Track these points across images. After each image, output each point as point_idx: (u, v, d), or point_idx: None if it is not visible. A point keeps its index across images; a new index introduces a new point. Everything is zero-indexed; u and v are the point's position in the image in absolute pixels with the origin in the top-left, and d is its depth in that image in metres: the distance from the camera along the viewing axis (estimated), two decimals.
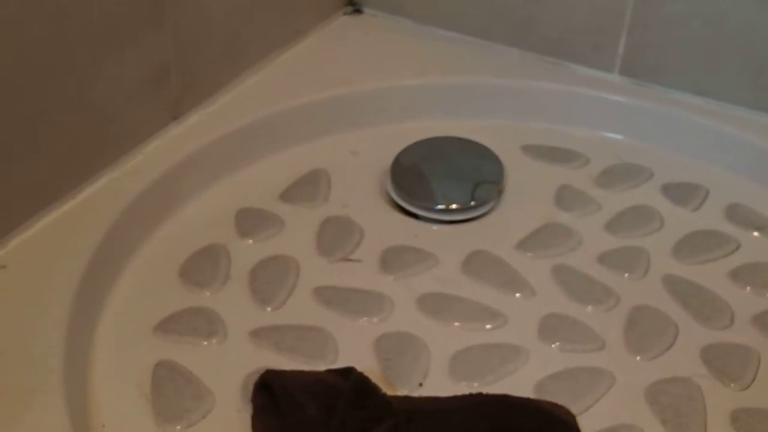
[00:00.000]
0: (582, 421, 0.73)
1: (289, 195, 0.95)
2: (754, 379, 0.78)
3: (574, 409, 0.73)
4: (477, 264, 0.88)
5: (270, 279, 0.85)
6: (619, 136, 1.05)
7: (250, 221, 0.91)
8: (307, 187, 0.96)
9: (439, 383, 0.76)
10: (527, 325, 0.82)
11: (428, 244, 0.90)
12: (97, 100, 0.84)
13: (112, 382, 0.74)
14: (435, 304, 0.83)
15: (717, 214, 0.95)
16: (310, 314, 0.82)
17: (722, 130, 1.00)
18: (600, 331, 0.81)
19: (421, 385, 0.76)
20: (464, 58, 1.10)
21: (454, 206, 0.93)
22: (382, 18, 1.17)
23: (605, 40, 1.06)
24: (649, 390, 0.76)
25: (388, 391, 0.73)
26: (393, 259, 0.88)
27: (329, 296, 0.83)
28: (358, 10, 1.17)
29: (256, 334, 0.79)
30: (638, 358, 0.79)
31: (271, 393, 0.72)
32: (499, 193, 0.96)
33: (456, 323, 0.82)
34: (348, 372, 0.73)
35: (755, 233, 0.93)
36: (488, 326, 0.82)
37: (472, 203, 0.93)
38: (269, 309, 0.82)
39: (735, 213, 0.95)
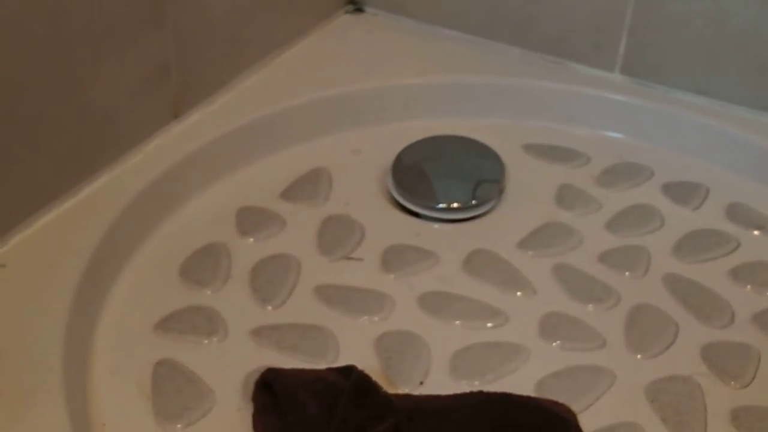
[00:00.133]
0: (582, 420, 0.73)
1: (290, 194, 0.95)
2: (754, 378, 0.78)
3: (574, 408, 0.73)
4: (478, 263, 0.88)
5: (271, 278, 0.85)
6: (620, 136, 1.05)
7: (251, 220, 0.91)
8: (308, 185, 0.96)
9: (439, 382, 0.76)
10: (528, 324, 0.82)
11: (429, 242, 0.90)
12: (97, 98, 0.84)
13: (112, 381, 0.74)
14: (436, 303, 0.83)
15: (717, 213, 0.95)
16: (310, 313, 0.82)
17: (723, 129, 1.00)
18: (600, 329, 0.81)
19: (421, 383, 0.76)
20: (465, 57, 1.11)
21: (455, 205, 0.93)
22: (383, 17, 1.17)
23: (606, 40, 1.06)
24: (649, 388, 0.76)
25: (389, 390, 0.73)
26: (394, 258, 0.88)
27: (330, 295, 0.83)
28: (359, 9, 1.18)
29: (257, 333, 0.79)
30: (639, 356, 0.79)
31: (272, 391, 0.72)
32: (500, 192, 0.96)
33: (457, 322, 0.82)
34: (349, 370, 0.73)
35: (756, 232, 0.93)
36: (489, 325, 0.82)
37: (473, 202, 0.93)
38: (270, 308, 0.82)
39: (735, 212, 0.95)
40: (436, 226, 0.93)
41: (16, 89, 0.76)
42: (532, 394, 0.75)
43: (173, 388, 0.74)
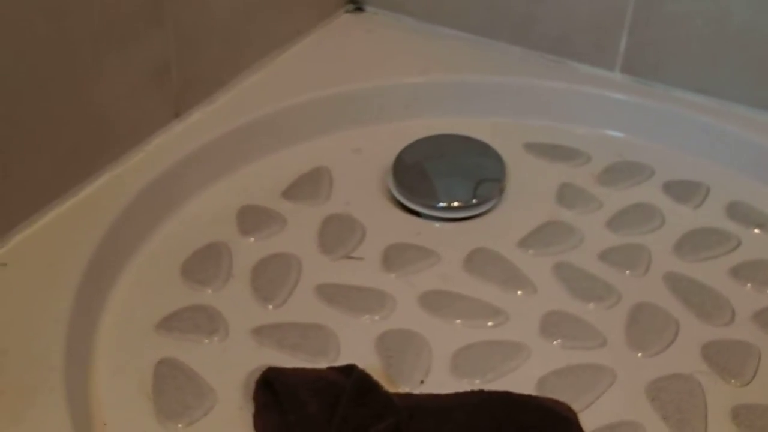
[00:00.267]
0: (583, 418, 0.73)
1: (291, 193, 0.95)
2: (754, 376, 0.78)
3: (575, 406, 0.74)
4: (479, 261, 0.88)
5: (272, 277, 0.85)
6: (621, 134, 1.05)
7: (252, 219, 0.91)
8: (309, 184, 0.96)
9: (440, 380, 0.76)
10: (529, 323, 0.82)
11: (430, 241, 0.90)
12: (98, 98, 0.84)
13: (113, 380, 0.75)
14: (437, 302, 0.83)
15: (718, 211, 0.95)
16: (311, 312, 0.82)
17: (723, 128, 1.00)
18: (601, 328, 0.81)
19: (422, 382, 0.76)
20: (466, 56, 1.11)
21: (456, 204, 0.93)
22: (384, 16, 1.17)
23: (607, 39, 1.06)
24: (650, 386, 0.76)
25: (390, 389, 0.73)
26: (395, 257, 0.88)
27: (331, 294, 0.84)
28: (359, 8, 1.18)
29: (258, 332, 0.79)
30: (639, 354, 0.79)
31: (273, 390, 0.72)
32: (501, 190, 0.96)
33: (458, 320, 0.82)
34: (350, 369, 0.73)
35: (756, 230, 0.93)
36: (490, 323, 0.82)
37: (474, 201, 0.93)
38: (271, 307, 0.82)
39: (736, 210, 0.95)
40: (437, 225, 0.93)
41: (16, 89, 0.76)
42: (533, 393, 0.75)
43: (174, 387, 0.74)
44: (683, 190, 0.98)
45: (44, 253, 0.79)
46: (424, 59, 1.09)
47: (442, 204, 0.93)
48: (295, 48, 1.09)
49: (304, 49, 1.09)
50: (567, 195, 0.97)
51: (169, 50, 0.90)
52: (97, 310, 0.80)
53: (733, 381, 0.77)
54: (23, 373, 0.69)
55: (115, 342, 0.78)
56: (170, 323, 0.80)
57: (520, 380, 0.76)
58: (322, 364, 0.75)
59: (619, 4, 1.03)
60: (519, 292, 0.85)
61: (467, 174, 0.96)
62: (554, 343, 0.80)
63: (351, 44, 1.11)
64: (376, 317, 0.82)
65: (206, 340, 0.78)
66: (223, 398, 0.74)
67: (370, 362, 0.76)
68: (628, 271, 0.88)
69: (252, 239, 0.89)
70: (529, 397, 0.74)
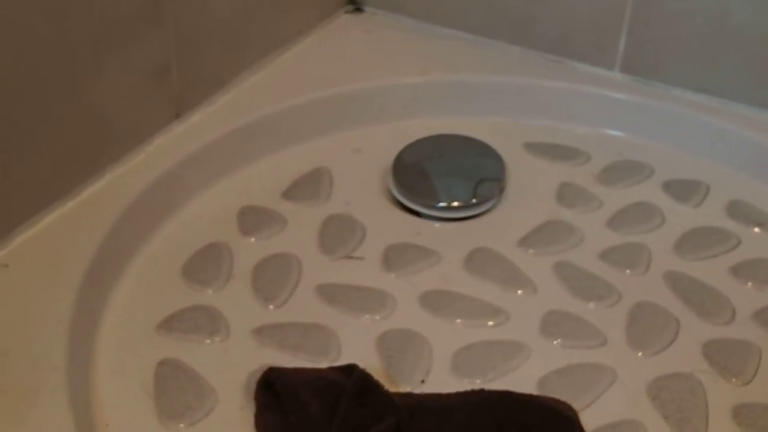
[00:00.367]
0: (584, 417, 0.73)
1: (291, 193, 0.95)
2: (755, 375, 0.78)
3: (576, 405, 0.74)
4: (479, 261, 0.88)
5: (272, 277, 0.85)
6: (621, 134, 1.05)
7: (253, 219, 0.91)
8: (310, 185, 0.96)
9: (441, 380, 0.76)
10: (529, 322, 0.82)
11: (430, 241, 0.90)
12: (99, 98, 0.84)
13: (115, 381, 0.75)
14: (437, 301, 0.84)
15: (718, 210, 0.96)
16: (312, 312, 0.82)
17: (723, 126, 1.00)
18: (602, 327, 0.82)
19: (423, 381, 0.76)
20: (465, 55, 1.11)
21: (456, 204, 0.93)
22: (383, 16, 1.17)
23: (606, 38, 1.06)
24: (650, 386, 0.76)
25: (391, 388, 0.73)
26: (395, 257, 0.88)
27: (332, 294, 0.84)
28: (359, 9, 1.18)
29: (259, 332, 0.79)
30: (640, 354, 0.79)
31: (274, 390, 0.72)
32: (501, 190, 0.96)
33: (458, 320, 0.82)
34: (350, 369, 0.73)
35: (756, 229, 0.93)
36: (490, 323, 0.82)
37: (474, 201, 0.94)
38: (272, 307, 0.82)
39: (736, 209, 0.95)
40: (437, 224, 0.93)
41: (17, 89, 0.76)
42: (534, 392, 0.75)
43: (176, 388, 0.74)
44: (683, 189, 0.98)
45: (45, 254, 0.79)
46: (424, 59, 1.09)
47: (442, 204, 0.93)
48: (295, 49, 1.09)
49: (303, 50, 1.09)
50: (567, 194, 0.97)
51: (169, 50, 0.90)
52: (99, 311, 0.80)
53: (733, 380, 0.77)
54: (25, 374, 0.69)
55: (116, 342, 0.78)
56: (171, 324, 0.80)
57: (521, 380, 0.76)
58: (323, 364, 0.76)
59: (619, 3, 1.03)
60: (519, 292, 0.85)
61: (467, 174, 0.96)
62: (555, 342, 0.80)
63: (351, 45, 1.12)
64: (377, 317, 0.82)
65: (207, 341, 0.79)
66: (225, 398, 0.74)
67: (370, 362, 0.77)
68: (628, 271, 0.88)
69: (252, 239, 0.89)
70: (530, 396, 0.74)
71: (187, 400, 0.73)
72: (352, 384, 0.71)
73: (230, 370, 0.76)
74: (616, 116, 1.05)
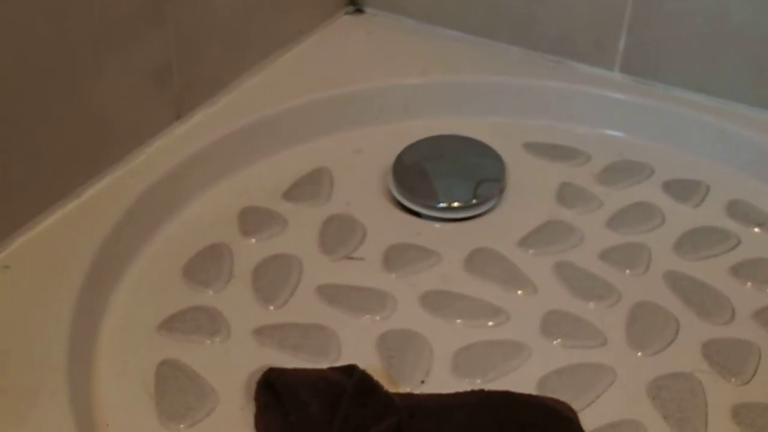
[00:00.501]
0: (584, 417, 0.73)
1: (291, 194, 0.95)
2: (755, 374, 0.78)
3: (576, 405, 0.74)
4: (479, 261, 0.88)
5: (273, 277, 0.85)
6: (620, 134, 1.05)
7: (253, 220, 0.91)
8: (310, 185, 0.96)
9: (441, 380, 0.76)
10: (529, 322, 0.82)
11: (430, 241, 0.90)
12: (99, 99, 0.84)
13: (115, 381, 0.75)
14: (437, 302, 0.84)
15: (718, 210, 0.96)
16: (313, 312, 0.82)
17: (723, 126, 1.00)
18: (602, 327, 0.82)
19: (423, 382, 0.76)
20: (465, 56, 1.11)
21: (456, 204, 0.93)
22: (384, 17, 1.17)
23: (606, 38, 1.06)
24: (650, 385, 0.76)
25: (391, 388, 0.73)
26: (395, 257, 0.88)
27: (332, 294, 0.84)
28: (359, 10, 1.18)
29: (260, 333, 0.80)
30: (640, 353, 0.79)
31: (275, 391, 0.72)
32: (501, 190, 0.96)
33: (458, 320, 0.82)
34: (351, 369, 0.73)
35: (756, 229, 0.93)
36: (490, 323, 0.82)
37: (474, 201, 0.94)
38: (272, 307, 0.82)
39: (736, 209, 0.95)
40: (437, 225, 0.93)
41: (17, 90, 0.76)
42: (534, 392, 0.75)
43: (176, 388, 0.74)
44: (683, 189, 0.98)
45: (46, 255, 0.79)
46: (424, 60, 1.09)
47: (442, 204, 0.93)
48: (295, 50, 1.09)
49: (304, 51, 1.09)
50: (567, 194, 0.97)
51: (169, 51, 0.90)
52: (99, 312, 0.80)
53: (733, 379, 0.77)
54: (26, 375, 0.69)
55: (117, 343, 0.78)
56: (172, 324, 0.80)
57: (521, 380, 0.76)
58: (323, 365, 0.76)
59: (618, 3, 1.03)
60: (519, 292, 0.85)
61: (467, 174, 0.96)
62: (555, 342, 0.80)
63: (351, 45, 1.12)
64: (377, 317, 0.82)
65: (208, 341, 0.79)
66: (225, 399, 0.74)
67: (371, 362, 0.77)
68: (628, 270, 0.88)
69: (253, 240, 0.89)
70: (530, 396, 0.74)
71: (187, 401, 0.73)
72: (352, 384, 0.71)
73: (231, 370, 0.76)
74: (615, 116, 1.05)
